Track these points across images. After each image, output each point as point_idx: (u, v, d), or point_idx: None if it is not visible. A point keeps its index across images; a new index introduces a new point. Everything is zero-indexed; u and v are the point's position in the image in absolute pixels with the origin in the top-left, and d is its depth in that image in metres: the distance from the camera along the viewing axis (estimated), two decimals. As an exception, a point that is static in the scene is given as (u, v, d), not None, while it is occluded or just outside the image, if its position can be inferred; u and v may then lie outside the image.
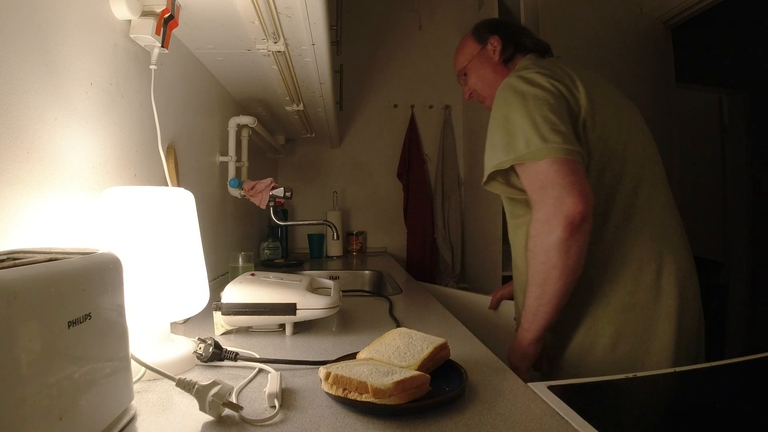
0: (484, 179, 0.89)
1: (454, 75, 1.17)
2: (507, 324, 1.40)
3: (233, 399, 0.52)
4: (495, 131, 0.86)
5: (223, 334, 0.83)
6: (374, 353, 0.62)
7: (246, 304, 0.80)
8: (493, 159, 0.85)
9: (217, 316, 0.81)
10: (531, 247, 0.79)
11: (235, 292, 0.81)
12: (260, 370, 0.64)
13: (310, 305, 0.81)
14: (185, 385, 0.50)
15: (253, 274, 0.90)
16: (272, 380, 0.56)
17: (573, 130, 0.81)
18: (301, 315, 0.80)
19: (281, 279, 0.89)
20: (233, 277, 1.26)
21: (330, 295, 0.84)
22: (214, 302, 0.80)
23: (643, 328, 0.83)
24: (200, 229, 0.72)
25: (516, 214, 0.95)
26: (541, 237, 0.77)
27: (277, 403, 0.52)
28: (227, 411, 0.49)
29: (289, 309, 0.80)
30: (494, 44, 1.06)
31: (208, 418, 0.48)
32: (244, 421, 0.48)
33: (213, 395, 0.48)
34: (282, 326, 0.85)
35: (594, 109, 0.85)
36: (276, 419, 0.49)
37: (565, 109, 0.83)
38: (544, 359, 0.89)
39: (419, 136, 2.56)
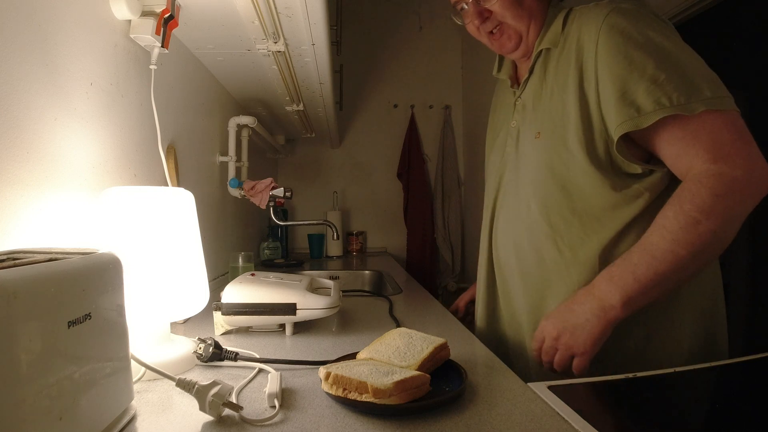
0: (645, 123, 0.63)
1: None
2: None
3: (233, 399, 0.52)
4: (651, 61, 0.64)
5: (223, 334, 0.83)
6: (374, 353, 0.62)
7: (246, 304, 0.80)
8: (660, 97, 0.62)
9: (217, 316, 0.81)
10: (704, 204, 0.60)
11: (235, 292, 0.81)
12: (260, 370, 0.64)
13: (310, 305, 0.81)
14: (185, 385, 0.50)
15: (253, 274, 0.90)
16: (272, 380, 0.56)
17: None
18: (301, 315, 0.80)
19: (281, 279, 0.89)
20: (233, 277, 1.26)
21: (330, 295, 0.84)
22: (214, 302, 0.80)
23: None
24: (200, 229, 0.72)
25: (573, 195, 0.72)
26: (730, 200, 0.60)
27: (277, 403, 0.52)
28: (227, 411, 0.49)
29: (289, 309, 0.80)
30: None
31: (208, 418, 0.48)
32: (244, 421, 0.48)
33: (213, 395, 0.48)
34: (282, 326, 0.85)
35: None
36: (276, 419, 0.49)
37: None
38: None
39: (419, 136, 2.56)
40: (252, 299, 0.80)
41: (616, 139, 0.67)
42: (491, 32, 0.81)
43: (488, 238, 0.90)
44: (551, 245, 0.74)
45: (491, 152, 0.95)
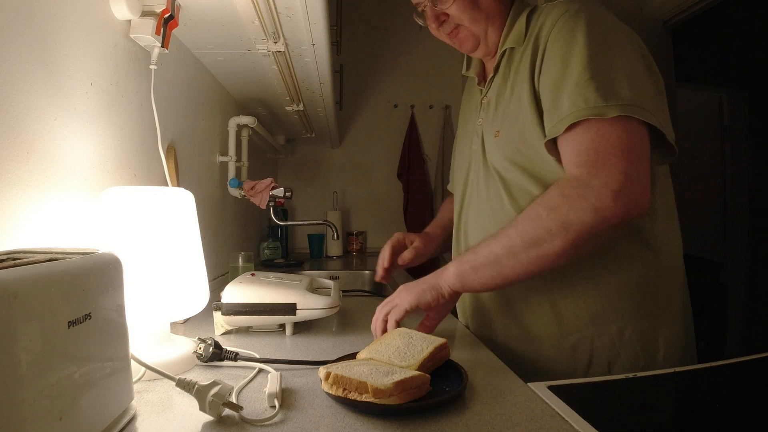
0: (561, 129, 0.63)
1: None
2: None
3: (233, 399, 0.52)
4: (581, 58, 0.63)
5: (223, 334, 0.83)
6: (374, 353, 0.62)
7: (246, 304, 0.80)
8: (581, 101, 0.62)
9: (217, 316, 0.81)
10: (540, 211, 0.62)
11: (235, 292, 0.81)
12: (260, 370, 0.64)
13: (310, 305, 0.81)
14: (185, 385, 0.50)
15: (253, 274, 0.90)
16: (272, 380, 0.56)
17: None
18: (301, 315, 0.80)
19: (281, 279, 0.89)
20: (233, 277, 1.26)
21: (330, 295, 0.84)
22: (214, 302, 0.80)
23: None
24: (200, 229, 0.72)
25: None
26: (575, 204, 0.60)
27: (277, 403, 0.52)
28: (227, 411, 0.49)
29: (289, 309, 0.80)
30: None
31: (208, 418, 0.48)
32: (244, 421, 0.48)
33: (213, 395, 0.48)
34: (282, 326, 0.85)
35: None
36: (276, 419, 0.49)
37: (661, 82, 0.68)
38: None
39: (419, 136, 2.56)
40: (252, 299, 0.80)
41: (543, 142, 0.68)
42: (450, 33, 0.81)
43: (457, 234, 0.91)
44: None
45: (457, 150, 0.97)
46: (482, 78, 0.90)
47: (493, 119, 0.79)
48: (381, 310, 0.75)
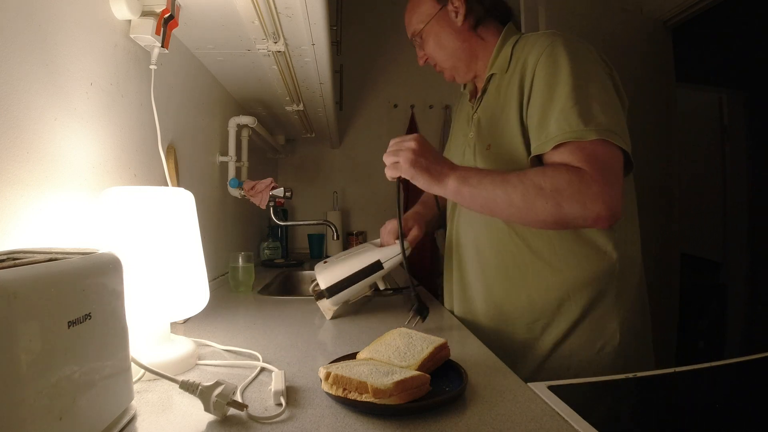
0: (548, 148, 0.73)
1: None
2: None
3: (238, 398, 0.52)
4: (564, 93, 0.73)
5: (333, 318, 0.94)
6: (374, 353, 0.62)
7: (342, 280, 0.91)
8: (565, 126, 0.72)
9: (323, 303, 0.93)
10: (560, 187, 0.70)
11: (328, 275, 0.92)
12: (262, 369, 0.64)
13: (388, 256, 0.94)
14: (188, 387, 0.50)
15: (325, 262, 0.98)
16: (276, 378, 0.57)
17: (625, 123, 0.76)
18: (387, 266, 0.94)
19: (350, 253, 0.99)
20: (233, 277, 1.26)
21: (394, 244, 0.96)
22: (315, 292, 0.94)
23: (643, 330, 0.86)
24: (200, 229, 0.72)
25: None
26: (578, 200, 0.69)
27: (283, 401, 0.52)
28: (232, 410, 0.49)
29: (377, 266, 0.93)
30: (456, 5, 0.89)
31: (208, 416, 0.48)
32: (251, 419, 0.48)
33: (217, 395, 0.48)
34: (374, 288, 0.97)
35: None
36: (283, 416, 0.49)
37: (622, 103, 0.78)
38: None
39: (419, 136, 2.56)
40: (343, 275, 0.92)
41: (528, 158, 0.79)
42: (434, 66, 0.98)
43: (449, 238, 1.00)
44: (508, 239, 0.85)
45: (449, 155, 1.04)
46: (473, 95, 1.00)
47: (484, 135, 0.89)
48: (389, 153, 0.83)
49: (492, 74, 0.89)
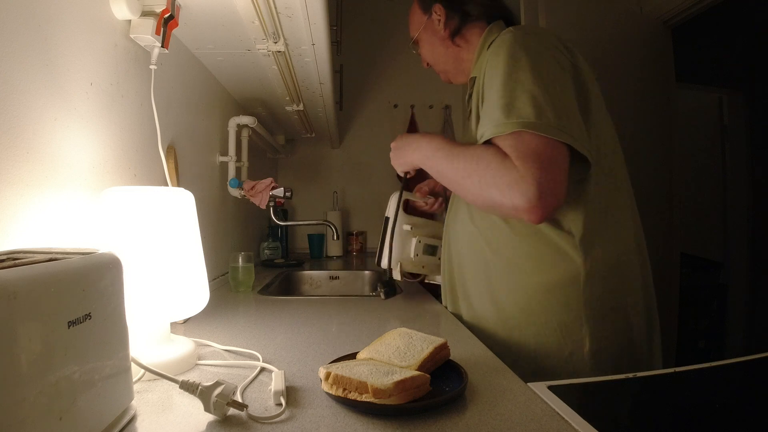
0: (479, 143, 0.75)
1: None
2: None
3: (237, 398, 0.52)
4: (495, 88, 0.73)
5: (404, 274, 1.08)
6: (374, 353, 0.62)
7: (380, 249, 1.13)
8: (489, 122, 0.72)
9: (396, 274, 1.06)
10: (481, 169, 0.72)
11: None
12: (262, 369, 0.64)
13: (392, 209, 1.14)
14: (188, 387, 0.50)
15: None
16: (276, 378, 0.57)
17: (583, 117, 0.73)
18: (391, 215, 1.13)
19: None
20: (233, 277, 1.27)
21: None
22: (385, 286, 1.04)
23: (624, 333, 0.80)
24: (200, 229, 0.72)
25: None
26: (494, 185, 0.69)
27: (283, 401, 0.52)
28: (232, 410, 0.49)
29: (386, 221, 1.15)
30: (438, 13, 0.93)
31: (208, 416, 0.48)
32: (252, 419, 0.48)
33: (217, 395, 0.48)
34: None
35: (597, 98, 0.78)
36: (283, 417, 0.49)
37: (578, 92, 0.75)
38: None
39: (419, 136, 2.56)
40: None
41: None
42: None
43: (445, 231, 1.02)
44: (474, 238, 0.87)
45: None
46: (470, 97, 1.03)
47: (470, 136, 0.89)
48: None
49: (474, 77, 0.89)
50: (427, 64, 1.03)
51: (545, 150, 0.68)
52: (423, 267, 1.13)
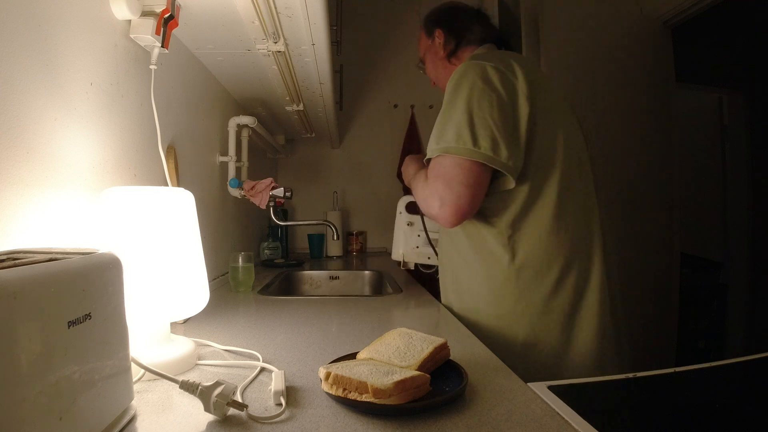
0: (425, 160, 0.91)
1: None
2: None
3: (237, 398, 0.52)
4: (438, 117, 0.89)
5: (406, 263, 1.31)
6: (374, 353, 0.62)
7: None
8: (428, 148, 0.88)
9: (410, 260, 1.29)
10: (418, 192, 0.93)
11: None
12: (262, 369, 0.64)
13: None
14: (188, 387, 0.50)
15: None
16: (276, 378, 0.57)
17: (509, 137, 0.82)
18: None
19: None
20: (233, 277, 1.27)
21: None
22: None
23: (560, 332, 0.86)
24: (200, 229, 0.72)
25: None
26: (427, 199, 0.87)
27: (283, 401, 0.52)
28: (232, 410, 0.49)
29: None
30: (438, 37, 1.09)
31: (208, 416, 0.48)
32: (252, 419, 0.48)
33: (217, 395, 0.48)
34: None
35: (534, 116, 0.86)
36: (283, 417, 0.49)
37: (508, 114, 0.84)
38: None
39: (419, 136, 2.56)
40: None
41: None
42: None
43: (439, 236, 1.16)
44: (446, 237, 1.04)
45: None
46: None
47: None
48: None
49: None
50: (434, 83, 1.16)
51: (455, 170, 0.82)
52: (429, 258, 1.30)
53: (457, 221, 0.84)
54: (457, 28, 1.07)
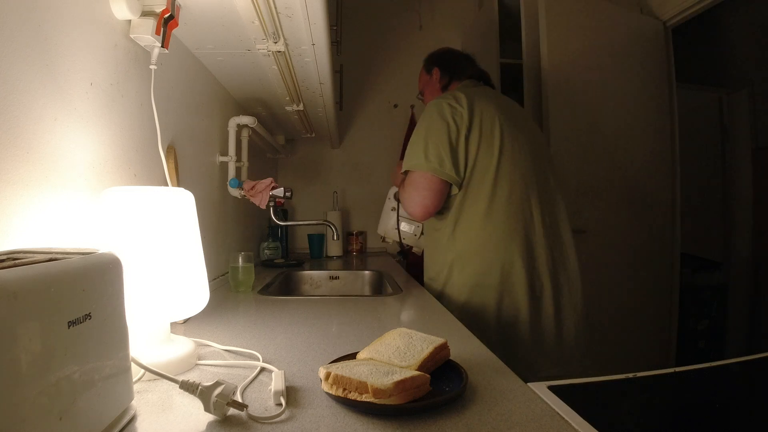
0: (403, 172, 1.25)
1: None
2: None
3: (237, 398, 0.52)
4: (411, 138, 1.23)
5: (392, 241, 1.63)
6: (374, 353, 0.62)
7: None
8: (405, 161, 1.22)
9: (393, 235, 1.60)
10: (401, 194, 1.28)
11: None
12: (262, 369, 0.64)
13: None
14: (188, 387, 0.50)
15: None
16: (276, 378, 0.57)
17: (454, 157, 1.14)
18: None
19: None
20: (233, 277, 1.27)
21: None
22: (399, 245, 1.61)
23: (494, 300, 1.14)
24: (200, 229, 0.72)
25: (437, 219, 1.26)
26: (410, 202, 1.20)
27: (283, 401, 0.52)
28: (232, 410, 0.49)
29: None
30: (436, 74, 1.41)
31: (208, 416, 0.48)
32: (251, 419, 0.48)
33: (217, 395, 0.48)
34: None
35: (476, 139, 1.16)
36: (283, 417, 0.49)
37: (455, 139, 1.15)
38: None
39: (419, 136, 2.56)
40: None
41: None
42: None
43: None
44: (427, 232, 1.36)
45: None
46: None
47: None
48: None
49: None
50: None
51: (420, 179, 1.17)
52: (404, 239, 1.59)
53: (424, 215, 1.19)
54: (451, 67, 1.40)
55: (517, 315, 1.14)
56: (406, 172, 1.22)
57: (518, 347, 1.12)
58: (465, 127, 1.15)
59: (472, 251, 1.17)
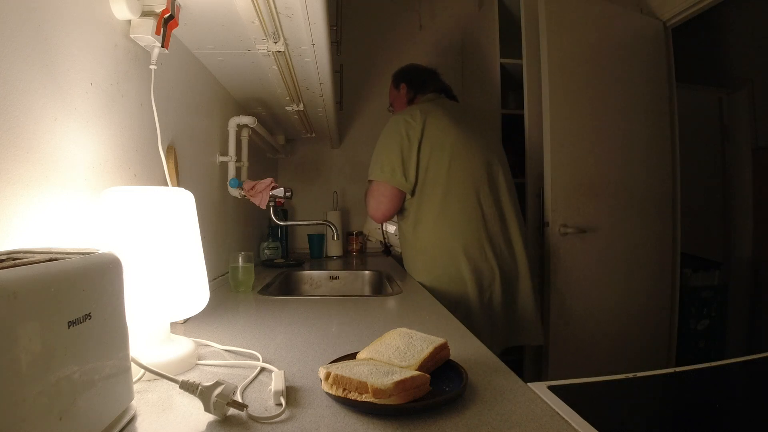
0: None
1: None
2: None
3: (237, 398, 0.52)
4: (374, 151, 1.46)
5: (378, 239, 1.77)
6: (374, 353, 0.62)
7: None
8: (370, 171, 1.45)
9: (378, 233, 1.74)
10: (367, 199, 1.49)
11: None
12: (262, 369, 0.64)
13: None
14: (188, 387, 0.50)
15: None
16: (276, 378, 0.57)
17: (405, 167, 1.37)
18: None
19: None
20: (233, 277, 1.27)
21: None
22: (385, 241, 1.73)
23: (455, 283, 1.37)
24: (200, 229, 0.72)
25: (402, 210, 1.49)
26: (370, 207, 1.47)
27: (283, 401, 0.52)
28: (232, 410, 0.49)
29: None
30: (403, 89, 1.61)
31: (208, 416, 0.48)
32: (252, 419, 0.48)
33: (217, 395, 0.48)
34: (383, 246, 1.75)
35: (429, 149, 1.37)
36: (283, 417, 0.49)
37: (406, 152, 1.37)
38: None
39: (419, 136, 2.56)
40: None
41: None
42: None
43: None
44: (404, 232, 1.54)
45: None
46: None
47: None
48: None
49: None
50: None
51: (377, 188, 1.41)
52: (387, 238, 1.75)
53: (382, 218, 1.46)
54: (416, 82, 1.59)
55: (468, 299, 1.35)
56: (371, 181, 1.45)
57: (473, 325, 1.26)
58: (416, 140, 1.36)
59: (429, 246, 1.40)
